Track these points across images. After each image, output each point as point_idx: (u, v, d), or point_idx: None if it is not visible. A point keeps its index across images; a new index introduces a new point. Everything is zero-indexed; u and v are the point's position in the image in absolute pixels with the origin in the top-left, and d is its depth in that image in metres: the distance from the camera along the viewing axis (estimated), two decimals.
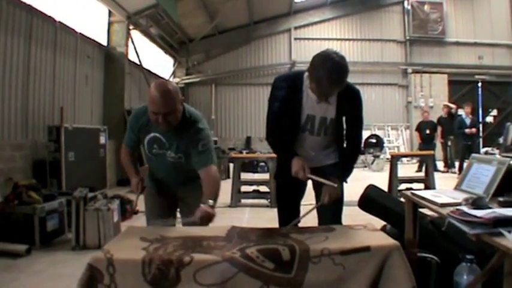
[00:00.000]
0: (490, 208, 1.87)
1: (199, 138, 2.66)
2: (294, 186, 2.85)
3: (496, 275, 2.45)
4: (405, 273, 2.06)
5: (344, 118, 2.71)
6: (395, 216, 3.17)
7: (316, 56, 2.40)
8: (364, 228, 2.51)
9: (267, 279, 2.00)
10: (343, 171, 2.78)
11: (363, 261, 2.06)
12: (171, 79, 15.83)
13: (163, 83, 2.52)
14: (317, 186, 2.89)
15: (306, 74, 2.54)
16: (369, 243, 2.12)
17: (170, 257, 2.01)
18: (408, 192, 2.64)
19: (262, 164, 11.89)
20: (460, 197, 2.18)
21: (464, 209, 1.88)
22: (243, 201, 7.69)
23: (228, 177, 10.52)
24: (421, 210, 2.89)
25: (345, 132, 2.79)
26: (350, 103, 2.66)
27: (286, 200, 2.95)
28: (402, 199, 2.96)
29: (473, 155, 2.66)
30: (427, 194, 2.43)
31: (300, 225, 2.85)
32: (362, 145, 2.90)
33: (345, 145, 2.84)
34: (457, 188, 2.53)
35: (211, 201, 2.48)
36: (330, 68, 2.30)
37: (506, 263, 2.39)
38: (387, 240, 2.23)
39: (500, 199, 2.04)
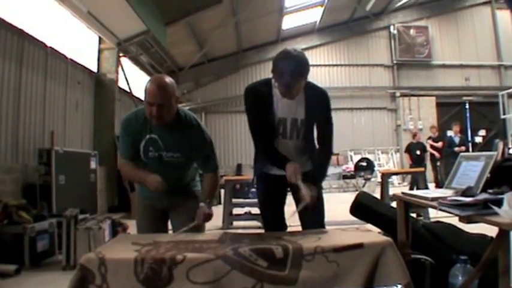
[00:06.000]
0: None
1: (202, 142, 2.74)
2: (274, 192, 2.88)
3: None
4: (400, 269, 2.06)
5: (314, 120, 2.75)
6: (387, 222, 3.17)
7: (276, 55, 2.54)
8: (356, 230, 2.52)
9: (261, 277, 1.99)
10: (317, 173, 2.76)
11: (356, 258, 2.06)
12: None
13: (161, 77, 2.59)
14: (296, 193, 2.87)
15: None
16: (362, 241, 2.13)
17: (163, 256, 1.99)
18: (399, 193, 2.66)
19: (254, 190, 11.78)
20: (450, 192, 2.19)
21: (455, 197, 1.89)
22: (235, 223, 7.62)
23: (219, 203, 10.35)
24: (412, 215, 2.91)
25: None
26: (318, 103, 2.70)
27: (269, 207, 2.95)
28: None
29: (462, 154, 2.69)
30: (418, 192, 2.45)
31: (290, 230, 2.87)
32: (333, 148, 2.89)
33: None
34: (447, 186, 2.55)
35: (208, 201, 2.76)
36: (288, 60, 2.44)
37: (500, 260, 2.40)
38: (380, 238, 2.24)
39: (490, 191, 2.06)
